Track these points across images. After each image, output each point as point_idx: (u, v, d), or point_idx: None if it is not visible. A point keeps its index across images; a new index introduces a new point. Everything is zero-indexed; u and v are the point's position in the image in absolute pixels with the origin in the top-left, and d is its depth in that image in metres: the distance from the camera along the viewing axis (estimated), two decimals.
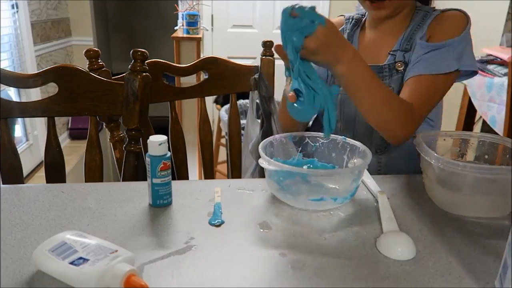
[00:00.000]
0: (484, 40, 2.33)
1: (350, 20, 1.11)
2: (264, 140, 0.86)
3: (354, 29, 1.10)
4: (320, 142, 0.91)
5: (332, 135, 0.87)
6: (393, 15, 1.00)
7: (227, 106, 2.46)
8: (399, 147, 1.01)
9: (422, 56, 0.94)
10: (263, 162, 0.78)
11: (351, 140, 0.87)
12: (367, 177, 0.89)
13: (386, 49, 1.02)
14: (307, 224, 0.73)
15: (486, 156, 0.87)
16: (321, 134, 0.90)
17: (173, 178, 0.80)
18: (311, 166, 0.91)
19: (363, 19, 1.11)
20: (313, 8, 0.75)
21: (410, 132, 0.91)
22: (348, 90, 0.86)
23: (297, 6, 0.74)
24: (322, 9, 3.27)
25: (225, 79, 1.25)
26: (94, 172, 1.07)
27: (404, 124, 0.89)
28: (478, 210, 0.77)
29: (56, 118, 1.07)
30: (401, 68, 0.98)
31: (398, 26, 1.02)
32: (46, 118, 1.06)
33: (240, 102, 2.62)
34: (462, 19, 0.95)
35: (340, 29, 1.10)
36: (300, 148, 0.92)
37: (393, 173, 1.00)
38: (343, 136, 0.88)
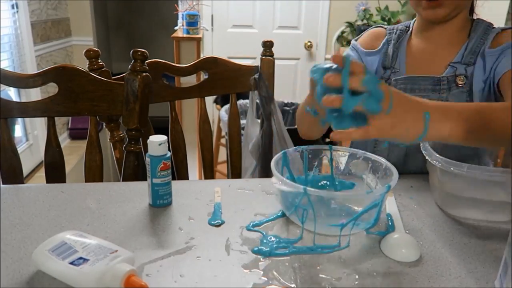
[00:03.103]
0: None
1: (395, 31, 1.03)
2: (277, 155, 0.78)
3: (400, 40, 1.01)
4: (337, 157, 0.84)
5: (352, 149, 0.83)
6: (449, 18, 0.92)
7: (227, 106, 2.46)
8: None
9: (500, 55, 0.87)
10: (276, 182, 0.71)
11: (372, 155, 0.79)
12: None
13: (444, 60, 0.94)
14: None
15: (488, 158, 0.87)
16: (338, 147, 0.84)
17: (173, 178, 0.80)
18: (328, 183, 0.83)
19: (409, 30, 1.03)
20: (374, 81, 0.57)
21: None
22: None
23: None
24: (322, 9, 3.27)
25: (225, 79, 1.25)
26: (94, 172, 1.07)
27: None
28: (479, 213, 0.76)
29: (56, 118, 1.07)
30: (462, 83, 0.91)
31: (456, 36, 0.94)
32: (46, 118, 1.06)
33: (240, 102, 2.62)
34: None
35: (384, 40, 1.02)
36: (316, 163, 0.84)
37: (407, 164, 0.99)
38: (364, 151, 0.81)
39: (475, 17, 0.98)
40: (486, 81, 0.90)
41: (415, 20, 1.02)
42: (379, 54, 1.02)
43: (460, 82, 0.90)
